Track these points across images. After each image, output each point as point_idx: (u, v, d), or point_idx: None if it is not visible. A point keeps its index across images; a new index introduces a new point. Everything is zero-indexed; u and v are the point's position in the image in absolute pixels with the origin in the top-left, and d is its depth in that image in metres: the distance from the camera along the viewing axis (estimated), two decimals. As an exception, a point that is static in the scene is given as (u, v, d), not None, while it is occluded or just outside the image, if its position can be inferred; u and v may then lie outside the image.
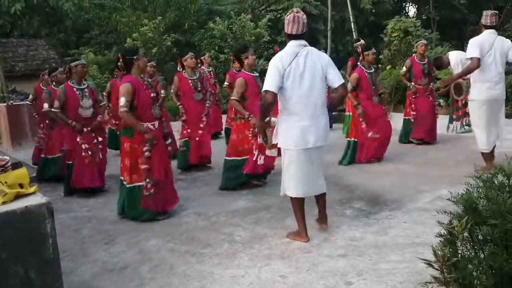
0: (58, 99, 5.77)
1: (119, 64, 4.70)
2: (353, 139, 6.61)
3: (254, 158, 5.34)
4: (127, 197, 4.68)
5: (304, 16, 3.75)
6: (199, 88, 6.76)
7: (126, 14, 18.41)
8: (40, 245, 2.40)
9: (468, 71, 5.42)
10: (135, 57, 4.56)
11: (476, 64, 5.26)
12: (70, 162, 5.79)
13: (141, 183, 4.56)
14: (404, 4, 22.86)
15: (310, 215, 4.04)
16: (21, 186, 2.59)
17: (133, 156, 4.58)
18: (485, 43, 5.32)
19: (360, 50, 6.92)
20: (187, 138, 6.69)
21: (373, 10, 18.08)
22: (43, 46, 16.93)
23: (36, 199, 2.46)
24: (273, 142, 4.05)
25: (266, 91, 3.66)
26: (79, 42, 20.06)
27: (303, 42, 3.74)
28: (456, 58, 7.96)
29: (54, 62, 15.77)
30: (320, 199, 4.01)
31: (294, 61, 3.65)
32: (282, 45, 18.32)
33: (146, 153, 4.49)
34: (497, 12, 5.59)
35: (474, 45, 5.30)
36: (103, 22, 19.48)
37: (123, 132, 4.73)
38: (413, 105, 7.59)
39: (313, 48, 3.81)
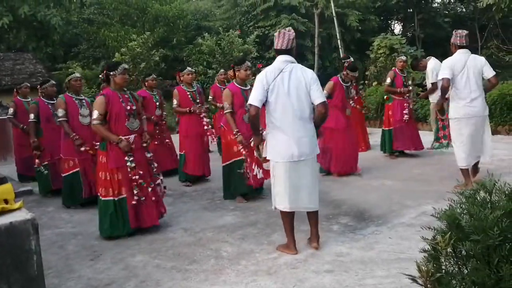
0: (60, 107, 5.92)
1: (100, 76, 4.86)
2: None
3: (254, 173, 5.39)
4: (100, 211, 4.67)
5: (292, 33, 3.85)
6: (198, 100, 6.91)
7: (114, 29, 18.45)
8: (25, 261, 2.37)
9: (442, 91, 5.57)
10: (112, 73, 4.66)
11: (445, 84, 5.43)
12: (69, 173, 5.91)
13: (114, 198, 4.58)
14: (389, 22, 23.18)
15: (296, 230, 4.04)
16: (5, 201, 2.57)
17: (106, 169, 4.61)
18: (457, 63, 5.46)
19: (346, 66, 7.20)
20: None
21: (360, 28, 18.29)
22: (30, 60, 16.80)
23: (21, 215, 2.45)
24: (263, 155, 4.10)
25: (250, 104, 3.81)
26: (67, 56, 19.99)
27: (289, 58, 3.83)
28: (433, 66, 8.26)
29: (41, 76, 15.63)
30: (311, 217, 3.98)
31: (279, 77, 3.75)
32: (270, 61, 18.51)
33: (128, 163, 4.52)
34: (468, 32, 5.70)
35: (445, 67, 5.49)
36: (91, 37, 19.49)
37: (100, 146, 4.75)
38: (405, 112, 7.70)
39: (298, 64, 3.89)
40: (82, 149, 5.79)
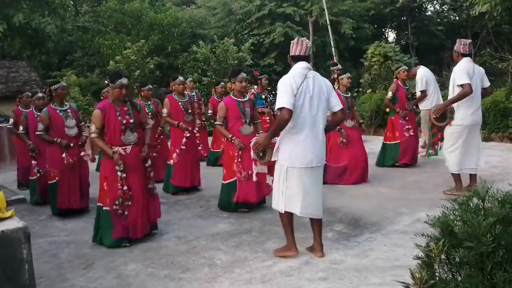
0: (41, 122, 5.89)
1: (106, 82, 4.86)
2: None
3: (249, 178, 5.32)
4: (100, 220, 4.64)
5: (309, 41, 3.93)
6: (189, 110, 6.88)
7: (109, 37, 18.45)
8: (16, 270, 2.35)
9: (462, 96, 5.36)
10: (110, 84, 4.61)
11: (469, 90, 5.29)
12: (53, 182, 5.84)
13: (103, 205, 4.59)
14: (383, 30, 23.28)
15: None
16: (-3, 210, 2.55)
17: (102, 178, 4.64)
18: (470, 70, 5.42)
19: (336, 75, 7.08)
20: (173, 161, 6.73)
21: (354, 35, 18.35)
22: (24, 67, 16.77)
23: (13, 224, 2.43)
24: (272, 159, 4.05)
25: (281, 108, 3.68)
26: (62, 64, 19.98)
27: (308, 65, 3.87)
28: (422, 74, 8.32)
29: (35, 84, 15.61)
30: (316, 225, 3.98)
31: (305, 83, 3.76)
32: (265, 68, 18.47)
33: (118, 173, 4.47)
34: (471, 41, 5.75)
35: (463, 72, 5.35)
36: (86, 45, 19.49)
37: (101, 155, 4.75)
38: (406, 127, 7.55)
39: (316, 72, 3.94)
40: (65, 161, 5.73)
